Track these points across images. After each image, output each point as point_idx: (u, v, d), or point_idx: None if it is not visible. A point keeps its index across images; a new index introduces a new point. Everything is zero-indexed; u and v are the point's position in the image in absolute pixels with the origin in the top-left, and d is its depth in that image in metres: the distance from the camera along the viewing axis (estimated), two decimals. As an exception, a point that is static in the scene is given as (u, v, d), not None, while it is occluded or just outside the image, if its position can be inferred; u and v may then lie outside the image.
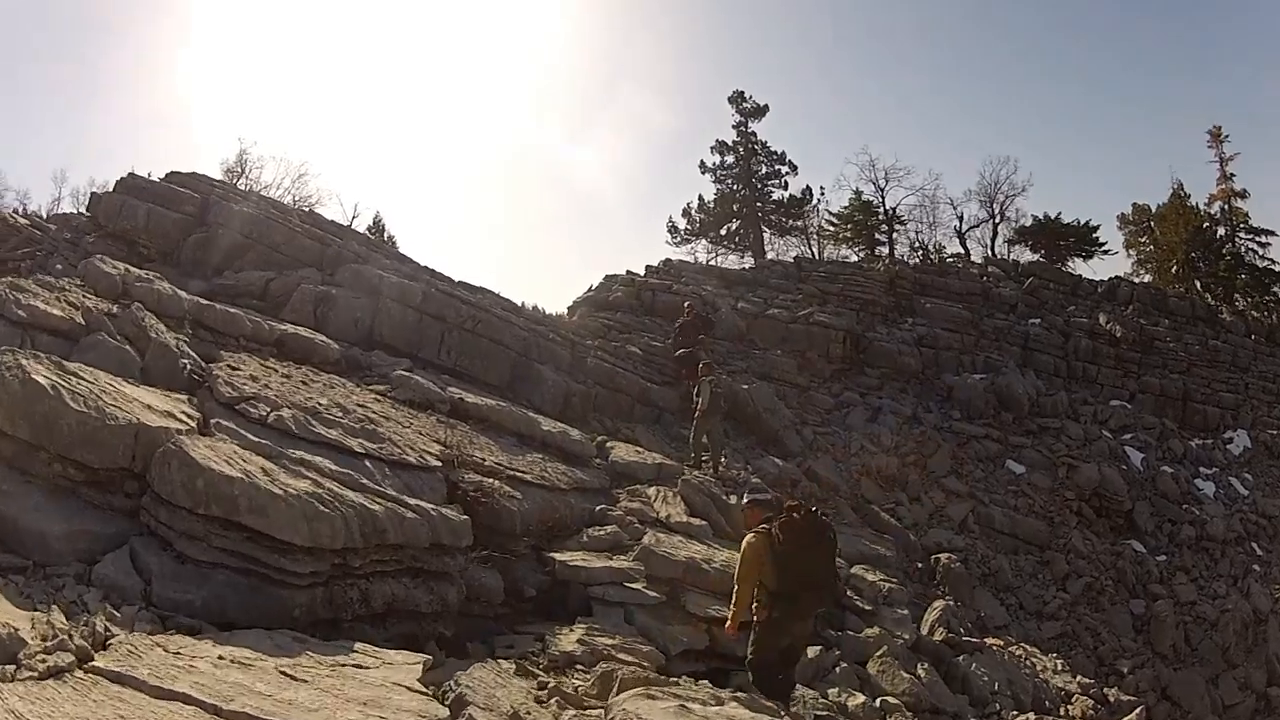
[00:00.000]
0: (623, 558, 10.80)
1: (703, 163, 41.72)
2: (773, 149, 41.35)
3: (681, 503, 13.11)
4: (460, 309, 17.38)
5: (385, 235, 32.42)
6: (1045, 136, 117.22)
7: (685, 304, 23.75)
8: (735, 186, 41.24)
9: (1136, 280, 39.93)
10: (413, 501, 9.13)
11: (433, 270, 20.35)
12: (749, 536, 7.49)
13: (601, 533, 11.44)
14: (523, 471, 11.95)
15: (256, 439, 8.96)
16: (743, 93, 41.37)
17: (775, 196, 41.17)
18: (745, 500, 8.36)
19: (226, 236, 17.46)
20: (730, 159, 41.45)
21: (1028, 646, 14.69)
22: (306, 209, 22.08)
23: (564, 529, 11.56)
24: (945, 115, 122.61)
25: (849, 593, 12.61)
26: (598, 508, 12.36)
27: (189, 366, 10.59)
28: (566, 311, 28.00)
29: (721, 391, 16.74)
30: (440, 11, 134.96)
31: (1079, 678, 14.02)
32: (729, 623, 7.93)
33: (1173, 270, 41.42)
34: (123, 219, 17.30)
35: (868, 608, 12.29)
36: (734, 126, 41.81)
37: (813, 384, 24.59)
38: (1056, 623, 18.66)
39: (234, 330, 12.74)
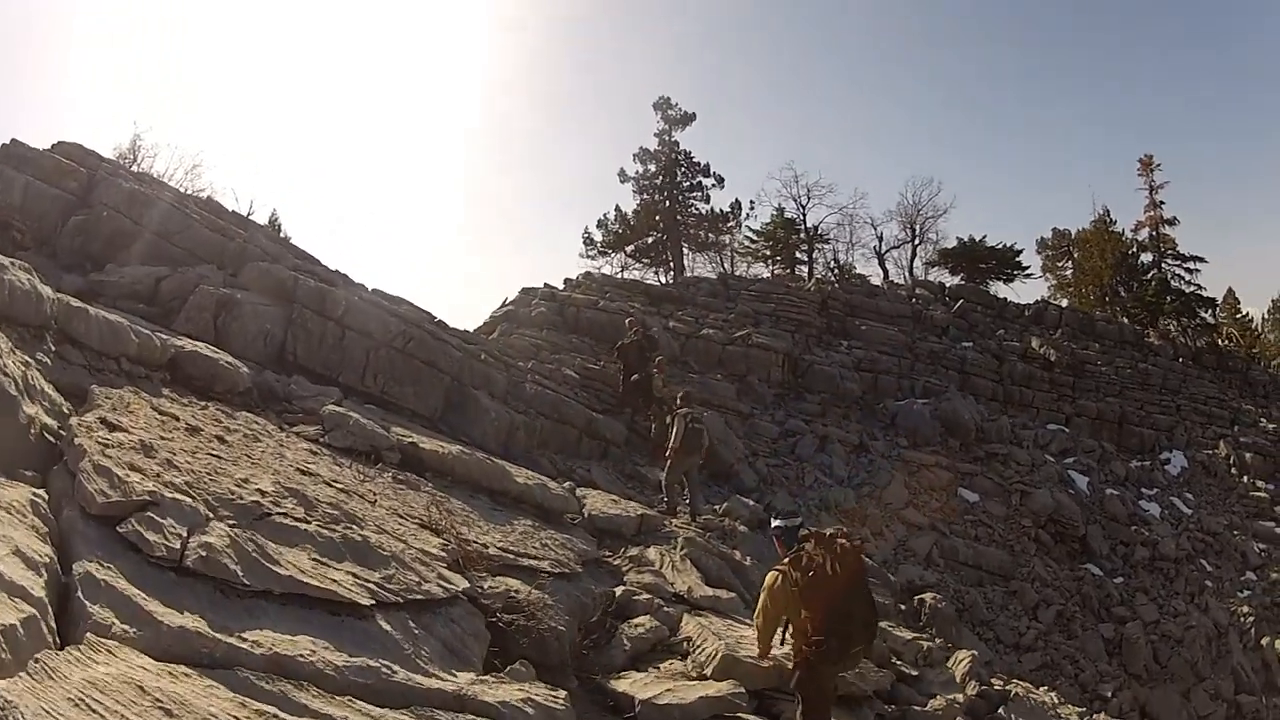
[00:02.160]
0: (678, 662, 8.25)
1: (623, 171, 39.71)
2: (696, 160, 39.50)
3: (693, 568, 10.98)
4: (389, 324, 14.82)
5: (282, 235, 29.62)
6: (966, 159, 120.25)
7: (628, 321, 21.85)
8: (658, 197, 39.25)
9: (1055, 302, 40.28)
10: (487, 698, 5.37)
11: (347, 276, 17.65)
12: (770, 574, 7.11)
13: (640, 630, 8.66)
14: (534, 556, 9.20)
15: (173, 622, 4.67)
16: (669, 99, 39.79)
17: (696, 210, 39.47)
18: (773, 526, 7.79)
19: (112, 221, 14.41)
20: (653, 167, 39.44)
21: (1023, 683, 14.19)
22: (204, 198, 19.55)
23: (592, 629, 8.84)
24: (868, 135, 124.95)
25: (893, 658, 11.25)
26: (617, 589, 9.72)
27: (39, 422, 6.58)
28: (484, 328, 25.74)
29: (701, 427, 14.71)
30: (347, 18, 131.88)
31: (1072, 708, 13.36)
32: (759, 648, 7.54)
33: (1099, 295, 41.93)
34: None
35: (913, 672, 10.93)
36: (656, 134, 39.97)
37: (755, 410, 23.22)
38: (1035, 654, 18.75)
39: (115, 348, 9.42)
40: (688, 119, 39.66)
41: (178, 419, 8.19)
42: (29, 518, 5.16)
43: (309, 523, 6.69)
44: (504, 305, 27.63)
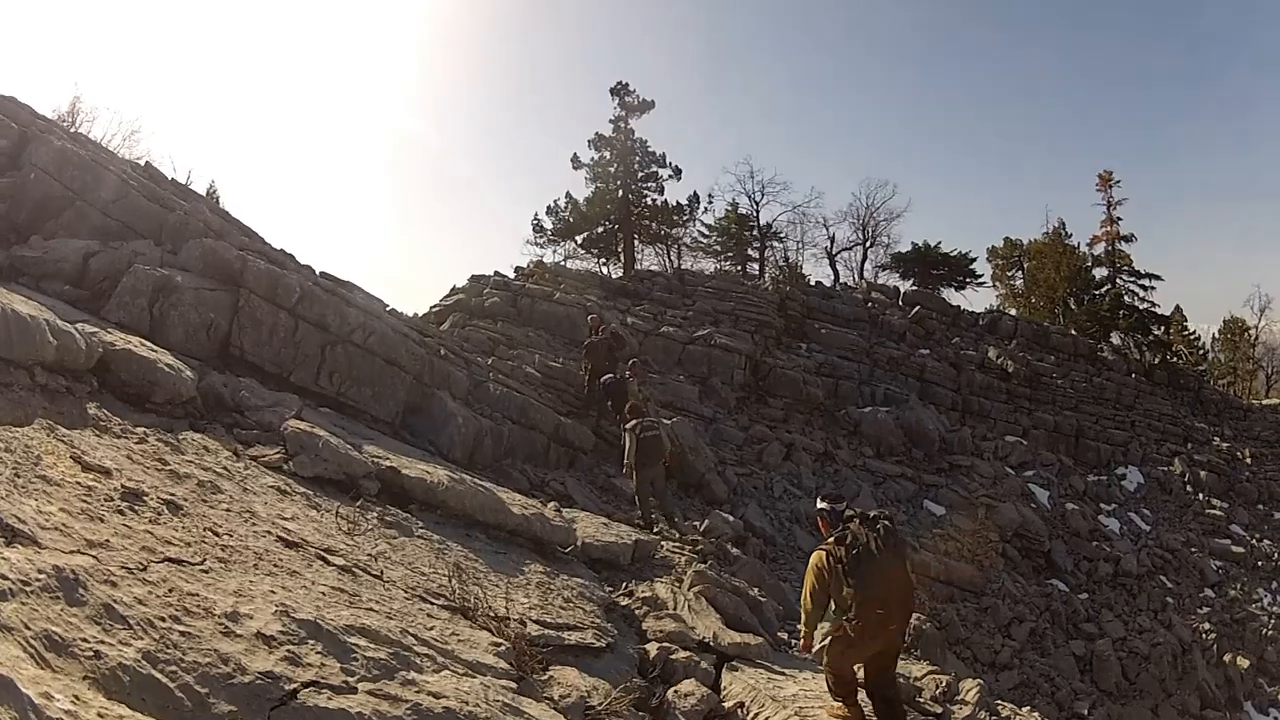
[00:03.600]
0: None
1: (576, 157, 38.04)
2: (652, 150, 37.99)
3: (710, 608, 10.00)
4: (348, 315, 13.22)
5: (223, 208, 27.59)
6: (919, 164, 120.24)
7: (589, 318, 20.58)
8: (612, 186, 37.72)
9: (1010, 313, 40.02)
10: None
11: (294, 256, 16.03)
12: (815, 555, 6.96)
13: (691, 701, 7.47)
14: (572, 625, 7.95)
15: None
16: (626, 84, 38.05)
17: (650, 200, 38.06)
18: (818, 507, 7.43)
19: (41, 184, 12.57)
20: (608, 154, 37.85)
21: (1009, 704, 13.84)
22: (144, 162, 17.75)
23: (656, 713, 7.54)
24: (824, 134, 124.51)
25: (917, 696, 10.50)
26: (648, 647, 8.53)
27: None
28: (432, 316, 24.13)
29: (656, 434, 13.94)
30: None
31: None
32: (803, 640, 7.40)
33: (1049, 306, 41.95)
34: (-89, 151, 12.28)
35: (936, 709, 10.25)
36: (612, 121, 38.22)
37: (718, 414, 22.14)
38: (1012, 672, 18.49)
39: (27, 354, 7.35)
40: (645, 106, 38.29)
41: (109, 474, 6.27)
42: None
43: (353, 688, 4.70)
44: (453, 293, 26.16)
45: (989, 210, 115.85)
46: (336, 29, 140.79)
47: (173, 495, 6.52)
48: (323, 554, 6.82)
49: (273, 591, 5.58)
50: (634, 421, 13.95)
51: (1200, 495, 29.42)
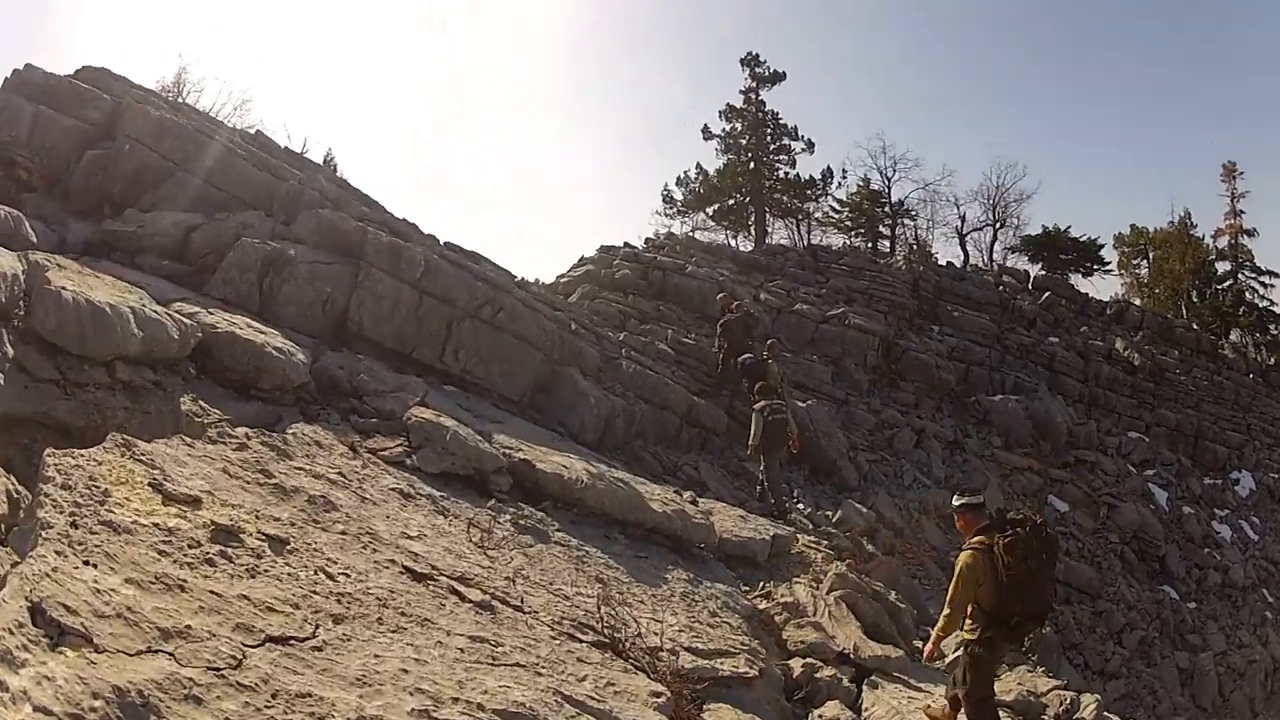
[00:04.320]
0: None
1: (707, 128, 35.42)
2: (784, 122, 35.16)
3: (850, 615, 8.94)
4: (475, 289, 11.47)
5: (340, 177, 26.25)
6: (1049, 145, 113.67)
7: (719, 296, 19.01)
8: (744, 157, 34.94)
9: (1136, 303, 36.97)
10: None
11: (417, 226, 14.24)
12: (966, 554, 6.38)
13: None
14: (723, 651, 6.93)
15: None
16: (757, 55, 35.22)
17: (782, 174, 35.18)
18: (957, 504, 6.91)
19: (136, 155, 10.88)
20: (739, 126, 35.17)
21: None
22: (253, 130, 16.43)
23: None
24: (955, 112, 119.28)
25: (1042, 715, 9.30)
26: (792, 663, 7.73)
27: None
28: (559, 287, 22.27)
29: (784, 418, 13.04)
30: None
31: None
32: (929, 645, 6.88)
33: (1172, 298, 38.79)
34: (3, 127, 10.78)
35: None
36: (743, 92, 35.48)
37: (850, 397, 20.03)
38: (1119, 681, 17.36)
39: (103, 348, 5.99)
40: (777, 78, 35.38)
41: (199, 504, 4.81)
42: None
43: None
44: (581, 264, 24.05)
45: (1114, 192, 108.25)
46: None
47: (277, 524, 5.20)
48: (456, 586, 5.64)
49: (404, 670, 4.33)
50: (763, 403, 13.02)
51: (1307, 506, 26.48)
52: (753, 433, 12.97)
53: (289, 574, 4.66)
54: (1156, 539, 21.37)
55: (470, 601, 5.44)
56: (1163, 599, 20.12)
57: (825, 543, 11.37)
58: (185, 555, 4.32)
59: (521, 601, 5.83)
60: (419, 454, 7.55)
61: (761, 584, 9.33)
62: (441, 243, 14.18)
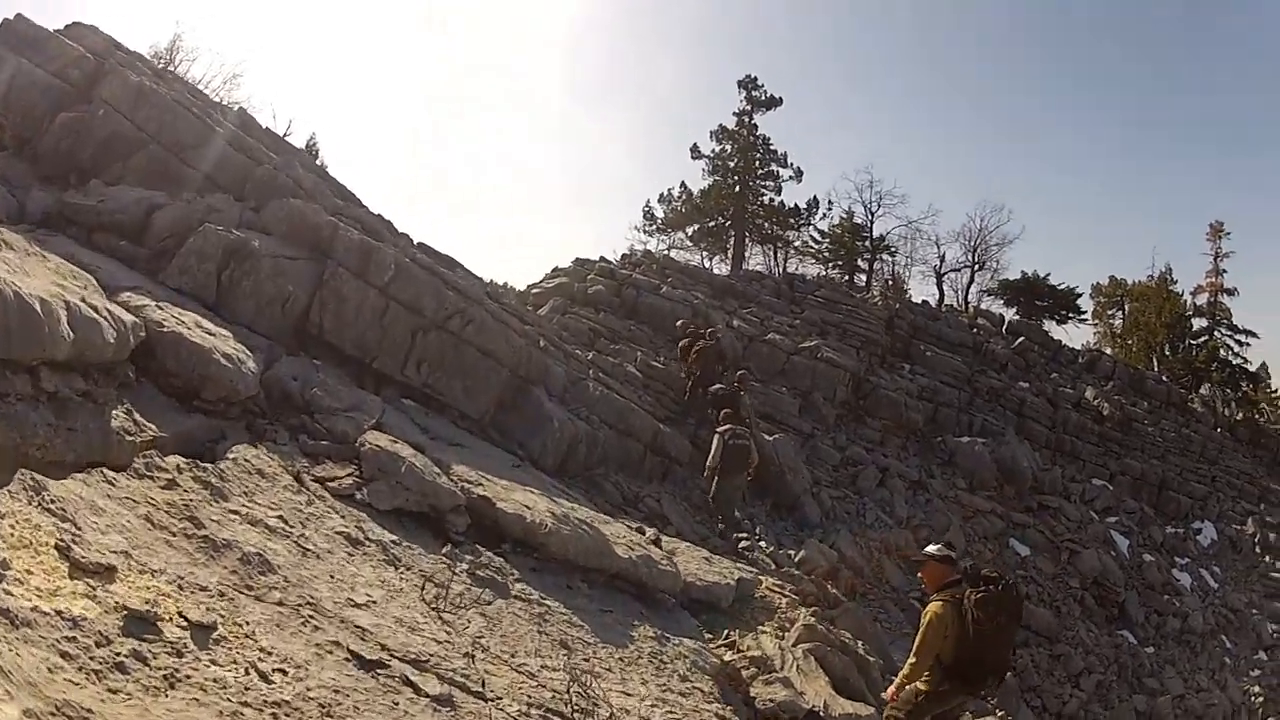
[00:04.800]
0: None
1: (696, 147, 35.17)
2: (774, 148, 34.98)
3: (819, 669, 8.59)
4: (446, 298, 11.01)
5: (319, 162, 25.64)
6: (1037, 191, 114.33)
7: (679, 323, 19.27)
8: (731, 180, 34.68)
9: (1108, 353, 36.98)
10: None
11: (391, 224, 13.86)
12: (935, 605, 6.45)
13: None
14: None
15: None
16: (755, 78, 35.10)
17: (766, 199, 35.00)
18: (932, 552, 6.97)
19: (110, 122, 10.43)
20: (729, 147, 34.87)
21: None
22: (237, 107, 15.88)
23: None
24: (941, 150, 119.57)
25: None
26: None
27: None
28: (530, 298, 21.96)
29: (746, 444, 13.01)
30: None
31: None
32: (892, 689, 6.84)
33: (1145, 350, 38.98)
34: (-19, 80, 10.16)
35: None
36: (736, 114, 35.27)
37: (816, 431, 19.88)
38: None
39: (29, 350, 5.16)
40: (773, 102, 35.16)
41: (112, 575, 4.16)
42: None
43: None
44: (555, 275, 23.90)
45: (1096, 244, 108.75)
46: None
47: (204, 598, 4.48)
48: (410, 675, 4.95)
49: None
50: (726, 427, 13.02)
51: (1267, 557, 26.80)
52: (711, 453, 12.94)
53: (214, 679, 3.96)
54: (1116, 585, 21.35)
55: (427, 695, 4.87)
56: (1121, 643, 20.27)
57: (790, 586, 11.13)
58: (92, 659, 3.61)
59: (484, 684, 5.35)
60: (371, 487, 7.06)
61: (726, 632, 9.05)
62: (415, 242, 13.95)
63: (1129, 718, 18.44)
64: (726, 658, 8.34)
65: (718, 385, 15.22)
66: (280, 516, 5.83)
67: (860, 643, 10.31)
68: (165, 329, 6.89)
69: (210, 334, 7.42)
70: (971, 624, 6.23)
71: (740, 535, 13.13)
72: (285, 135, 15.59)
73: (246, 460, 6.32)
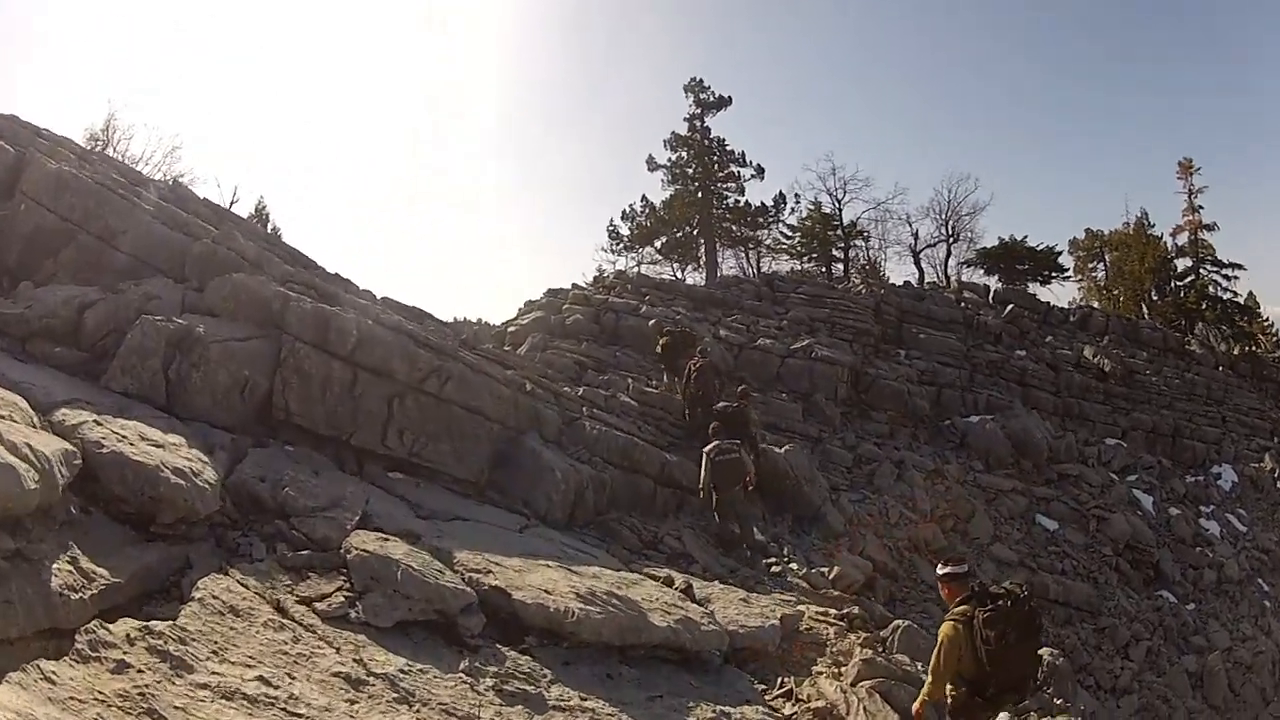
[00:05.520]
0: None
1: (652, 158, 34.26)
2: (730, 148, 34.21)
3: (885, 706, 7.81)
4: (417, 358, 10.12)
5: (270, 228, 23.69)
6: (997, 155, 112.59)
7: (651, 322, 19.11)
8: (692, 187, 33.92)
9: (1097, 307, 36.33)
10: None
11: (349, 281, 13.25)
12: (947, 625, 6.39)
13: None
14: None
15: None
16: (701, 80, 34.38)
17: (731, 202, 34.23)
18: (941, 573, 6.92)
19: (32, 216, 9.70)
20: (685, 154, 34.09)
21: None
22: (169, 181, 14.73)
23: None
24: (898, 128, 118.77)
25: None
26: None
27: None
28: (506, 336, 21.25)
29: (735, 458, 12.65)
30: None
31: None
32: (916, 705, 6.83)
33: (1133, 299, 38.27)
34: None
35: None
36: (687, 119, 34.51)
37: (824, 434, 19.09)
38: (1132, 696, 17.04)
39: None
40: (722, 103, 34.37)
41: None
42: None
43: None
44: (529, 309, 23.17)
45: (1068, 199, 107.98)
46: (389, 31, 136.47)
47: None
48: None
49: None
50: (713, 444, 12.73)
51: (1289, 491, 26.18)
52: (701, 475, 12.66)
53: None
54: (1149, 545, 20.98)
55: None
56: (1162, 605, 19.79)
57: (833, 611, 10.35)
58: None
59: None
60: (365, 601, 6.09)
61: (779, 679, 8.25)
62: (379, 297, 13.16)
63: (1181, 681, 17.95)
64: (788, 711, 7.59)
65: (722, 404, 14.42)
66: (260, 677, 4.78)
67: (918, 664, 9.52)
68: (104, 449, 6.00)
69: (157, 445, 6.51)
70: (981, 644, 6.17)
71: (769, 560, 12.31)
72: (232, 203, 14.76)
73: (216, 598, 5.36)
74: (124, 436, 6.32)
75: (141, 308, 8.81)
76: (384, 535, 7.05)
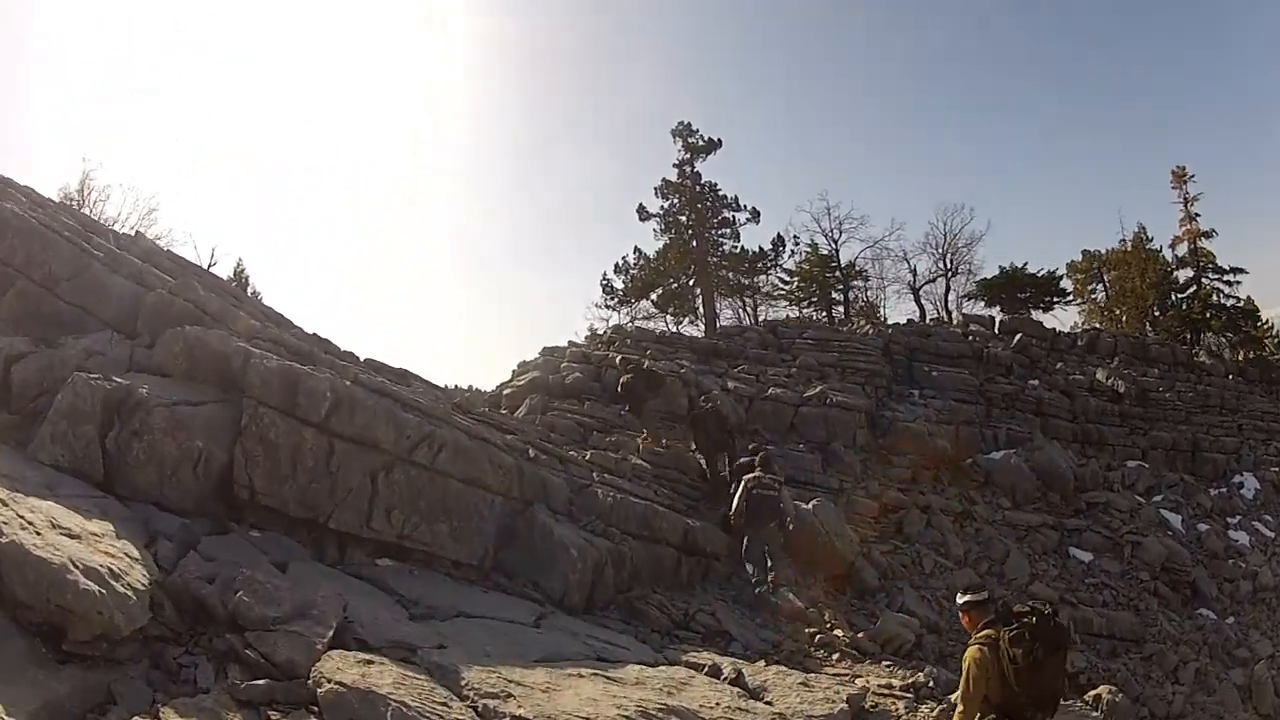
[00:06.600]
0: None
1: (642, 207, 33.37)
2: (723, 193, 33.43)
3: None
4: (405, 424, 8.93)
5: (250, 292, 23.16)
6: (988, 183, 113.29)
7: (625, 363, 18.37)
8: (685, 235, 32.94)
9: (1100, 329, 35.47)
10: None
11: (329, 341, 12.38)
12: (973, 649, 6.27)
13: None
14: None
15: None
16: (689, 124, 33.54)
17: (727, 248, 33.28)
18: (960, 602, 6.85)
19: None
20: (678, 201, 33.20)
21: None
22: (133, 232, 14.12)
23: None
24: (884, 163, 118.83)
25: None
26: None
27: None
28: (501, 399, 20.23)
29: (765, 495, 12.46)
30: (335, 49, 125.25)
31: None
32: None
33: (1137, 317, 37.35)
34: None
35: None
36: (676, 165, 33.63)
37: (845, 485, 18.10)
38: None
39: None
40: (712, 146, 33.56)
41: None
42: None
43: None
44: (525, 369, 22.27)
45: (1061, 224, 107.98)
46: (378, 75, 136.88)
47: None
48: None
49: None
50: (753, 475, 12.50)
51: (1310, 493, 25.55)
52: (735, 504, 12.35)
53: None
54: (1185, 565, 20.52)
55: None
56: (1204, 623, 19.46)
57: (895, 683, 9.79)
58: None
59: None
60: None
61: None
62: (361, 359, 12.19)
63: (1232, 696, 17.51)
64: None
65: (741, 459, 14.06)
66: None
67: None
68: (2, 538, 4.76)
69: (72, 536, 5.26)
70: (1009, 664, 6.08)
71: (811, 629, 11.71)
72: (210, 265, 14.13)
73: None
74: (30, 523, 5.09)
75: (80, 364, 7.68)
76: (368, 656, 5.66)
